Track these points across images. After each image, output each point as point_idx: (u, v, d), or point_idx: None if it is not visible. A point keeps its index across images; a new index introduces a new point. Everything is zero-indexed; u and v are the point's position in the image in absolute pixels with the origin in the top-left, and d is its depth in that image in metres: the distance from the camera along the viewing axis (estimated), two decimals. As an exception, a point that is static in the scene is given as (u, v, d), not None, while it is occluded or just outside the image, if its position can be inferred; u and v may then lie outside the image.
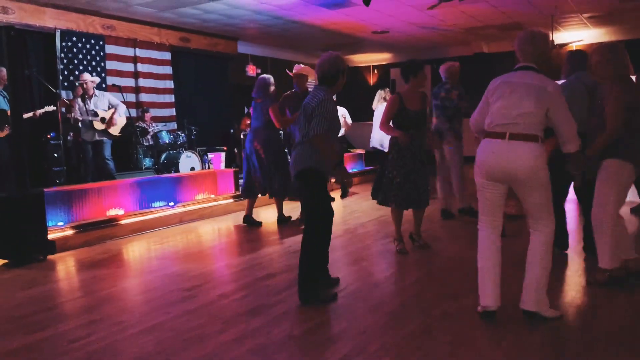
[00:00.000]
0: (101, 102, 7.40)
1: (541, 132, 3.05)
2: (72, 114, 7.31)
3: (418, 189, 4.67)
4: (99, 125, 7.28)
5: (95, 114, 7.25)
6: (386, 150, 7.82)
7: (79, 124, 7.34)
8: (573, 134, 3.09)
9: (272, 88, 6.11)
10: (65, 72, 8.30)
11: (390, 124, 4.71)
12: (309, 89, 5.10)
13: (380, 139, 7.48)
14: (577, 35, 11.70)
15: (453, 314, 3.34)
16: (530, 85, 3.05)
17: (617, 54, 3.64)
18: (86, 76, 7.47)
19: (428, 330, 3.10)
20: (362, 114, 11.85)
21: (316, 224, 3.59)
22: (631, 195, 6.11)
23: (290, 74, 6.39)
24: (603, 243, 3.65)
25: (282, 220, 6.43)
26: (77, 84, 7.68)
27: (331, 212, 3.65)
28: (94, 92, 7.40)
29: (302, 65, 6.30)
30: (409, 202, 4.71)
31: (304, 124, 3.61)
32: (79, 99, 7.39)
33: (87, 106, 7.28)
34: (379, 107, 7.64)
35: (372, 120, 7.78)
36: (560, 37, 11.64)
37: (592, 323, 3.17)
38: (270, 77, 6.18)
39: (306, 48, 13.05)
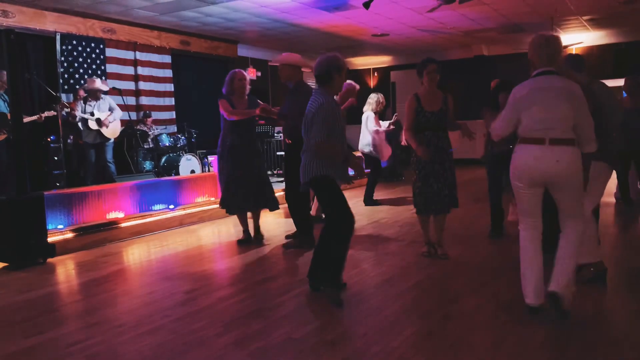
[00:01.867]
0: (103, 105, 7.42)
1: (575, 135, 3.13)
2: (74, 116, 7.31)
3: (438, 194, 4.51)
4: (93, 125, 7.27)
5: (92, 114, 7.25)
6: (377, 154, 7.91)
7: (80, 126, 7.35)
8: (594, 135, 3.19)
9: (240, 82, 5.32)
10: (66, 76, 8.32)
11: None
12: (309, 85, 5.05)
13: (367, 143, 7.50)
14: (576, 37, 11.72)
15: (454, 316, 3.34)
16: (561, 89, 3.12)
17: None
18: (97, 83, 7.47)
19: (429, 334, 3.09)
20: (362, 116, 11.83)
21: (335, 227, 3.63)
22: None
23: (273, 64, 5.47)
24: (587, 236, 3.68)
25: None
26: (84, 87, 7.65)
27: (351, 217, 3.63)
28: (100, 97, 7.42)
29: (285, 54, 5.36)
30: (428, 207, 4.56)
31: (305, 131, 3.63)
32: (81, 101, 7.38)
33: (87, 107, 7.29)
34: (369, 113, 7.60)
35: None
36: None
37: (592, 324, 3.16)
38: (239, 71, 5.43)
39: (306, 51, 13.05)
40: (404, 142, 5.69)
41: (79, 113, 7.27)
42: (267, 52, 12.54)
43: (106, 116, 7.36)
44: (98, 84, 7.47)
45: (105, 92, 7.57)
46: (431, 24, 10.03)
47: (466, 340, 2.99)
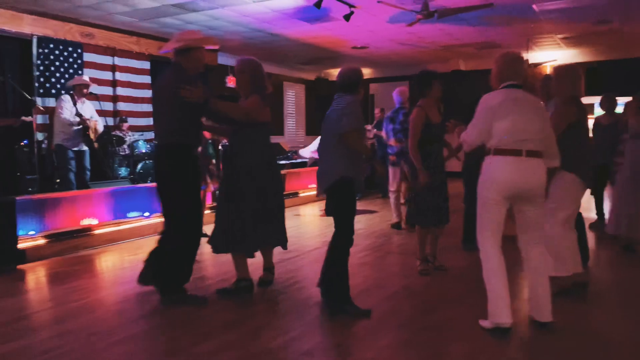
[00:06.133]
0: (88, 110, 7.22)
1: None
2: (60, 115, 6.96)
3: (441, 205, 4.52)
4: (80, 125, 7.00)
5: (80, 116, 7.01)
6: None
7: (63, 131, 7.01)
8: (557, 150, 3.29)
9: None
10: (42, 79, 8.18)
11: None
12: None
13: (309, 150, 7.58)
14: (551, 55, 12.01)
15: (430, 327, 3.36)
16: (533, 102, 3.21)
17: (569, 76, 3.88)
18: (85, 77, 7.34)
19: (405, 344, 3.11)
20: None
21: (349, 239, 3.60)
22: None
23: (162, 53, 4.38)
24: (553, 251, 3.78)
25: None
26: (69, 84, 7.41)
27: (352, 235, 3.63)
28: (85, 94, 7.22)
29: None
30: (433, 220, 4.52)
31: (328, 130, 3.60)
32: (70, 102, 7.07)
33: (76, 109, 7.01)
34: None
35: None
36: (534, 56, 11.93)
37: (569, 334, 3.21)
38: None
39: (287, 61, 13.12)
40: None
41: (66, 115, 6.94)
42: (247, 61, 12.54)
43: (94, 123, 7.19)
44: (87, 78, 7.33)
45: (90, 92, 7.32)
46: (410, 38, 10.18)
47: (443, 351, 3.01)
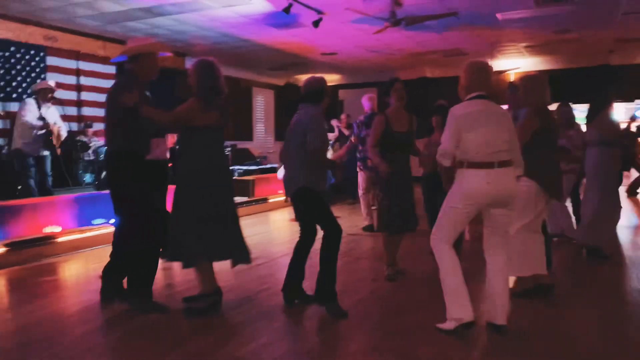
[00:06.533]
0: (52, 115, 7.03)
1: None
2: (23, 119, 6.76)
3: (409, 212, 4.54)
4: (43, 129, 6.80)
5: (43, 119, 6.81)
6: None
7: (23, 135, 6.80)
8: (522, 159, 3.37)
9: None
10: (2, 83, 7.95)
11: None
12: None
13: None
14: (514, 63, 12.33)
15: (398, 332, 3.39)
16: (501, 113, 3.28)
17: (537, 86, 4.03)
18: (50, 82, 7.16)
19: (373, 349, 3.13)
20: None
21: (334, 238, 3.69)
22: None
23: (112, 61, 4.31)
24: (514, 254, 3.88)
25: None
26: (33, 88, 7.20)
27: (339, 228, 3.72)
28: (50, 99, 7.03)
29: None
30: (403, 226, 4.54)
31: (292, 142, 3.72)
32: (35, 105, 6.87)
33: (40, 113, 6.80)
34: None
35: None
36: (498, 64, 12.23)
37: (532, 336, 3.28)
38: None
39: (255, 67, 13.09)
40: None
41: (30, 118, 6.72)
42: (216, 66, 12.46)
43: (57, 129, 7.00)
44: (52, 82, 7.15)
45: (54, 98, 7.13)
46: (378, 44, 10.29)
47: (411, 355, 3.04)
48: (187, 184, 3.70)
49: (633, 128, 7.92)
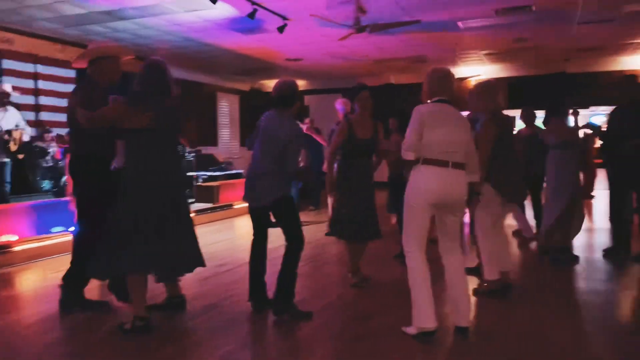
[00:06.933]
0: (11, 118, 6.79)
1: None
2: None
3: (368, 220, 4.48)
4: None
5: None
6: None
7: None
8: (478, 165, 3.46)
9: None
10: (-47, 87, 7.64)
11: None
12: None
13: None
14: (475, 70, 12.62)
15: (364, 337, 3.40)
16: (460, 117, 3.36)
17: (487, 91, 4.22)
18: (5, 86, 6.89)
19: (339, 355, 3.13)
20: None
21: (300, 246, 3.76)
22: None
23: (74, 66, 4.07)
24: (482, 257, 4.21)
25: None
26: None
27: (303, 239, 3.80)
28: (6, 103, 6.79)
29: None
30: (358, 234, 4.48)
31: (268, 152, 3.68)
32: None
33: None
34: None
35: None
36: (460, 71, 12.50)
37: (493, 337, 3.34)
38: None
39: (220, 71, 12.99)
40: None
41: None
42: (180, 70, 12.28)
43: (20, 134, 6.76)
44: (6, 86, 6.89)
45: (10, 102, 6.90)
46: (343, 51, 10.37)
47: (378, 359, 3.06)
48: (124, 191, 3.43)
49: (582, 134, 8.12)
